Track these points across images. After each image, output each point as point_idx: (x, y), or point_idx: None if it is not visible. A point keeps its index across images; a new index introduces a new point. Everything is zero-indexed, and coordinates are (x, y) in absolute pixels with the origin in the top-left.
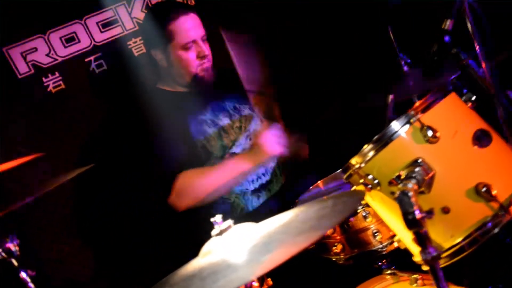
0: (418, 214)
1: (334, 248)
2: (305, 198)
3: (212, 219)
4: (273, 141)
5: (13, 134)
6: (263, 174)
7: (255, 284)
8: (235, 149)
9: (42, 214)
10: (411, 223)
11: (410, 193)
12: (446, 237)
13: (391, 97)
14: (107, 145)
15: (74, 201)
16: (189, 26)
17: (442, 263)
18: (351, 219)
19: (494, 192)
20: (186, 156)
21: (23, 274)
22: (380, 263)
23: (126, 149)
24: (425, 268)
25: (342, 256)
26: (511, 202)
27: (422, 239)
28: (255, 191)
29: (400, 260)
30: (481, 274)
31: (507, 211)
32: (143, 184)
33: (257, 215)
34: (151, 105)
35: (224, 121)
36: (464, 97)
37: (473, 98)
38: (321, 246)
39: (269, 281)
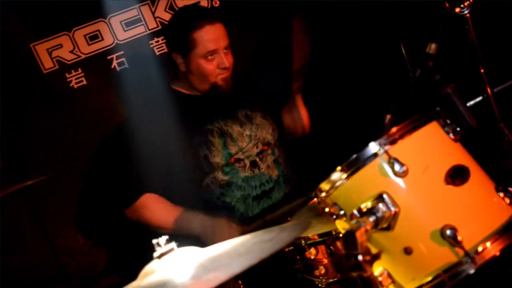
0: (360, 258)
1: (316, 270)
2: (299, 215)
3: (154, 241)
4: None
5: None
6: (267, 181)
7: None
8: (241, 156)
9: (59, 200)
10: (353, 266)
11: (356, 233)
12: (408, 279)
13: (388, 117)
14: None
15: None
16: (213, 37)
17: None
18: (337, 242)
19: (459, 238)
20: (187, 165)
21: None
22: None
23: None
24: None
25: (323, 280)
26: (478, 251)
27: (366, 284)
28: (257, 198)
29: None
30: None
31: (472, 260)
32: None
33: (256, 221)
34: (162, 106)
35: (234, 128)
36: (446, 128)
37: (458, 129)
38: (307, 266)
39: None
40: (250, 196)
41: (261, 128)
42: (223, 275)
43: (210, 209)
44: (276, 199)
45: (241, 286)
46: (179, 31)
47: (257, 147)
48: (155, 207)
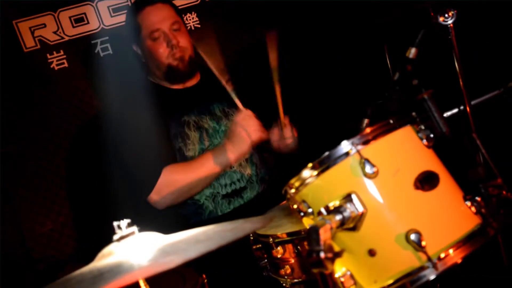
0: (322, 254)
1: (282, 269)
2: (271, 213)
3: (115, 223)
4: (250, 126)
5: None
6: (238, 180)
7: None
8: None
9: (30, 184)
10: (314, 263)
11: (320, 229)
12: (370, 281)
13: (366, 121)
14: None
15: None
16: (154, 16)
17: None
18: (304, 243)
19: (423, 243)
20: (162, 155)
21: None
22: None
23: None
24: None
25: (288, 280)
26: (440, 258)
27: (325, 282)
28: (227, 196)
29: None
30: None
31: (434, 266)
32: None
33: (226, 221)
34: (140, 96)
35: (210, 123)
36: (420, 134)
37: (431, 136)
38: (273, 264)
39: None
40: (219, 194)
41: None
42: (178, 259)
43: (179, 205)
44: (249, 198)
45: (205, 280)
46: (127, 22)
47: None
48: (179, 171)
